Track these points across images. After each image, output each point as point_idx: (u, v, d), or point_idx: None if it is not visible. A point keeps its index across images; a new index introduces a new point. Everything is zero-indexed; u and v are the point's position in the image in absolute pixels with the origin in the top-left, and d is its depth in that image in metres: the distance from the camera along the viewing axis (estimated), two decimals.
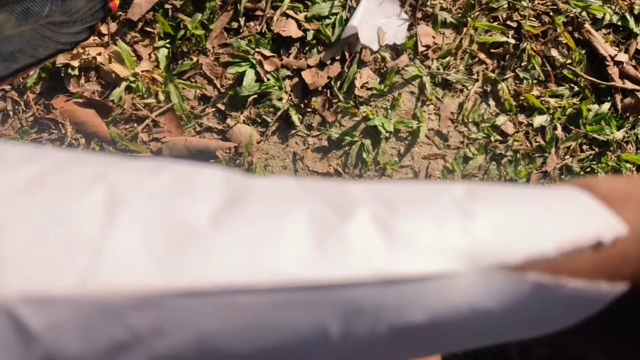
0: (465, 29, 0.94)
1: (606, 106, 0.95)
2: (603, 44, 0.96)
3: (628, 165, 0.95)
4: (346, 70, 0.91)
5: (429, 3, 0.94)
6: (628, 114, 0.96)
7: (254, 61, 0.90)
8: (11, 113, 0.88)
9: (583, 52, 0.96)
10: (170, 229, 0.16)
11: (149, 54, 0.90)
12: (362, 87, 0.92)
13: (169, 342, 0.16)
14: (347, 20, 0.91)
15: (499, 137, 0.94)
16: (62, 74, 0.88)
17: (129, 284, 0.15)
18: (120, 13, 0.89)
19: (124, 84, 0.88)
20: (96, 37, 0.89)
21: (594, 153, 0.95)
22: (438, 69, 0.93)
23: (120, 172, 0.18)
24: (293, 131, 0.91)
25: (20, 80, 0.87)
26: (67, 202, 0.16)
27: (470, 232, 0.18)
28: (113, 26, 0.89)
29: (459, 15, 0.94)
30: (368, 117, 0.91)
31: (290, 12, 0.91)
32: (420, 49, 0.93)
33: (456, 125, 0.93)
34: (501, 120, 0.94)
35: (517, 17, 0.96)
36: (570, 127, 0.95)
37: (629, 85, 0.96)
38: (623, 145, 0.95)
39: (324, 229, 0.17)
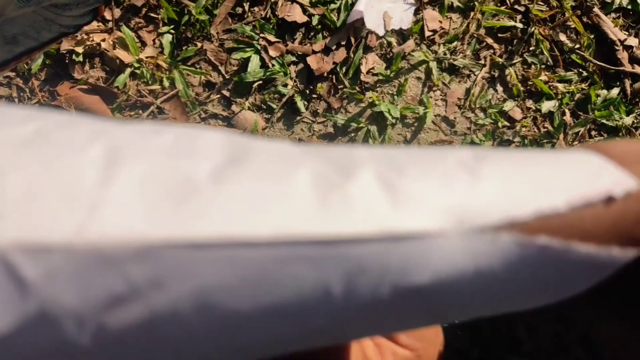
0: (472, 13, 0.93)
1: (615, 91, 0.94)
2: (612, 28, 0.95)
3: None
4: (352, 55, 0.90)
5: None
6: (637, 99, 0.95)
7: (259, 47, 0.89)
8: (16, 100, 0.88)
9: (592, 36, 0.95)
10: (171, 184, 0.16)
11: (153, 40, 0.89)
12: (367, 72, 0.91)
13: (168, 296, 0.15)
14: (352, 4, 0.90)
15: (506, 123, 0.93)
16: (67, 61, 0.88)
17: (127, 235, 0.15)
18: None
19: (128, 70, 0.88)
20: (100, 23, 0.89)
21: (603, 139, 0.94)
22: (445, 54, 0.92)
23: (122, 131, 0.18)
24: (298, 117, 0.90)
25: (25, 67, 0.87)
26: (66, 155, 0.16)
27: (477, 190, 0.17)
28: (117, 12, 0.89)
29: None
30: (374, 103, 0.90)
31: None
32: (427, 33, 0.92)
33: (463, 111, 0.92)
34: (509, 105, 0.93)
35: (524, 1, 0.94)
36: (579, 112, 0.94)
37: (638, 70, 0.94)
38: (632, 130, 0.94)
39: (328, 187, 0.17)
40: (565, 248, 0.17)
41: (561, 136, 0.93)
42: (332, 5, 0.91)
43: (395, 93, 0.91)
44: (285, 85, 0.90)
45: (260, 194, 0.16)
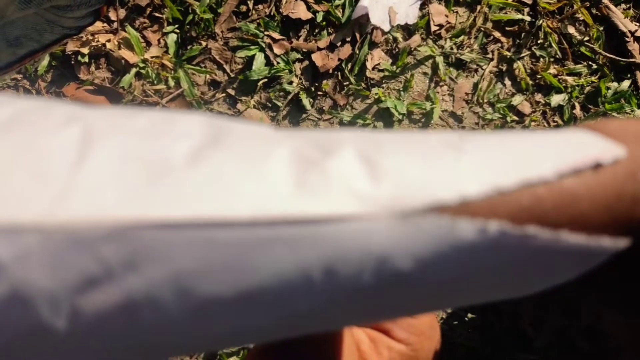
0: (479, 7, 0.92)
1: (626, 84, 0.92)
2: (622, 19, 0.93)
3: None
4: (357, 51, 0.89)
5: None
6: None
7: (264, 44, 0.89)
8: None
9: (601, 28, 0.93)
10: (146, 163, 0.16)
11: (158, 40, 0.89)
12: (373, 68, 0.90)
13: (143, 279, 0.15)
14: (357, 0, 0.89)
15: (515, 118, 0.91)
16: (73, 62, 0.88)
17: (99, 214, 0.15)
18: None
19: (133, 70, 0.88)
20: (105, 24, 0.89)
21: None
22: (451, 48, 0.91)
23: (97, 115, 0.17)
24: (304, 115, 0.90)
25: (31, 69, 0.88)
26: (40, 138, 0.16)
27: (460, 165, 0.17)
28: (122, 12, 0.89)
29: None
30: (380, 100, 0.89)
31: None
32: (433, 28, 0.91)
33: (471, 106, 0.91)
34: (517, 100, 0.91)
35: None
36: (589, 106, 0.92)
37: None
38: None
39: (307, 166, 0.16)
40: (554, 238, 0.16)
41: None
42: (337, 2, 0.90)
43: (401, 89, 0.91)
44: (291, 83, 0.89)
45: (237, 174, 0.16)
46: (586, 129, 0.19)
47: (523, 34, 0.93)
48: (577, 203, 0.16)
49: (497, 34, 0.92)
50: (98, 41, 0.88)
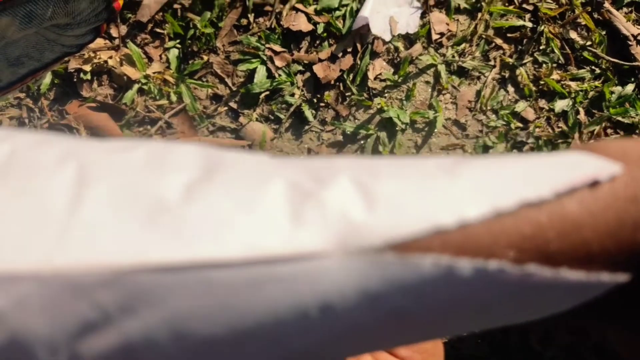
0: (480, 14, 0.91)
1: (630, 87, 0.92)
2: (625, 23, 0.92)
3: None
4: (358, 62, 0.89)
5: None
6: None
7: (265, 57, 0.89)
8: (26, 120, 0.88)
9: (603, 32, 0.93)
10: (141, 203, 0.15)
11: (160, 55, 0.90)
12: (375, 78, 0.90)
13: (141, 322, 0.15)
14: (357, 11, 0.89)
15: (519, 124, 0.91)
16: (75, 79, 0.88)
17: (96, 260, 0.15)
18: (129, 15, 0.89)
19: (136, 87, 0.88)
20: (107, 41, 0.89)
21: (619, 137, 0.92)
22: (453, 56, 0.91)
23: (92, 151, 0.17)
24: (307, 127, 0.90)
25: (34, 87, 0.88)
26: (36, 180, 0.16)
27: (457, 188, 0.16)
28: (123, 29, 0.89)
29: (473, 0, 0.92)
30: (383, 109, 0.89)
31: (300, 6, 0.90)
32: (434, 36, 0.91)
33: (474, 114, 0.91)
34: (521, 106, 0.91)
35: (533, 0, 0.93)
36: (593, 110, 0.92)
37: None
38: None
39: (303, 197, 0.16)
40: (554, 276, 0.16)
41: (576, 135, 0.91)
42: (337, 13, 0.90)
43: (404, 98, 0.90)
44: (293, 95, 0.89)
45: (232, 211, 0.16)
46: (583, 150, 0.19)
47: (525, 40, 0.92)
48: (579, 230, 0.16)
49: (498, 41, 0.92)
50: (100, 58, 0.88)
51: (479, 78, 0.92)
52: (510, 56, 0.92)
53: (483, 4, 0.91)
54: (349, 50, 0.90)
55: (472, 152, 0.90)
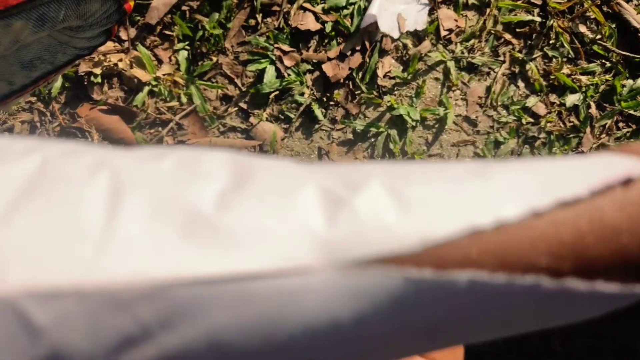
0: (488, 10, 0.91)
1: None
2: (635, 15, 0.92)
3: None
4: (367, 60, 0.89)
5: None
6: None
7: (274, 57, 0.89)
8: (38, 124, 0.89)
9: (613, 25, 0.92)
10: (175, 214, 0.15)
11: (169, 57, 0.90)
12: (384, 76, 0.90)
13: (179, 336, 0.15)
14: (365, 9, 0.89)
15: (530, 119, 0.90)
16: (86, 82, 0.89)
17: (135, 274, 0.15)
18: (138, 18, 0.89)
19: (146, 89, 0.88)
20: (117, 44, 0.90)
21: (632, 130, 0.91)
22: (462, 52, 0.91)
23: (123, 160, 0.17)
24: (317, 126, 0.90)
25: (45, 91, 0.88)
26: (70, 192, 0.16)
27: (490, 189, 0.16)
28: (132, 31, 0.90)
29: None
30: (393, 107, 0.89)
31: (307, 5, 0.90)
32: (443, 33, 0.91)
33: (485, 110, 0.91)
34: (532, 101, 0.91)
35: None
36: (605, 104, 0.91)
37: None
38: None
39: (336, 204, 0.16)
40: (590, 290, 0.16)
41: (588, 129, 0.90)
42: (345, 11, 0.90)
43: (413, 95, 0.90)
44: (302, 94, 0.89)
45: (265, 220, 0.16)
46: (610, 151, 0.19)
47: (534, 35, 0.92)
48: (618, 236, 0.16)
49: (507, 36, 0.91)
50: (110, 61, 0.88)
51: (488, 74, 0.91)
52: (520, 51, 0.92)
53: None
54: (358, 48, 0.90)
55: (483, 149, 0.90)
